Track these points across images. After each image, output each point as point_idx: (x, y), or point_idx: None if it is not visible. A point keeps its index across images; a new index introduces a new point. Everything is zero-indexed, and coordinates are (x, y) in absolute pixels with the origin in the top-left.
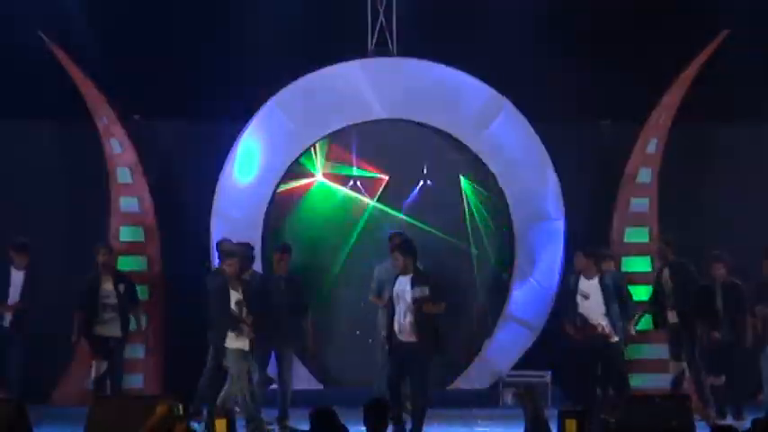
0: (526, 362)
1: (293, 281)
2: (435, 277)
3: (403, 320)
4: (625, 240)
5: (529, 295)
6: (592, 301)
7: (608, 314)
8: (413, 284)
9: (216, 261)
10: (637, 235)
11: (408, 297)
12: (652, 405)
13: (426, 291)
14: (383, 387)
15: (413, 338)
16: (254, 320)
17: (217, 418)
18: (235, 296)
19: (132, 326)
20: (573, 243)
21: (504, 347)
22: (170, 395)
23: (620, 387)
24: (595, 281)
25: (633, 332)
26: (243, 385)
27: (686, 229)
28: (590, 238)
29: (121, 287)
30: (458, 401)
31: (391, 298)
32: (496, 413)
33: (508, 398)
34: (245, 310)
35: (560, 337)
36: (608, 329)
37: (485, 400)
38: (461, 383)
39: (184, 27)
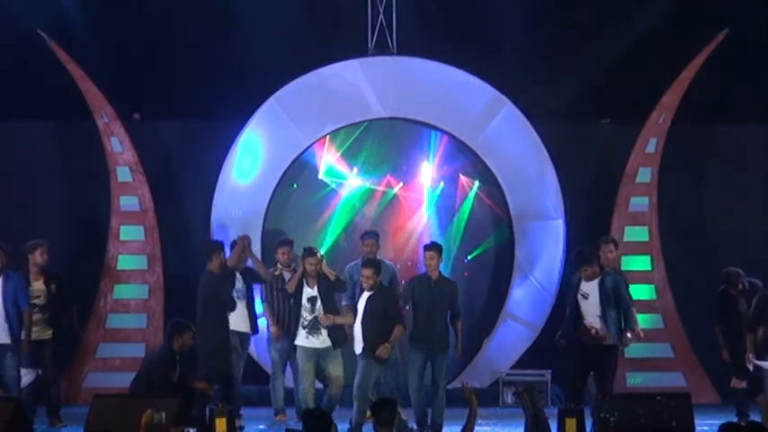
0: (526, 361)
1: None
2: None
3: None
4: (625, 239)
5: (528, 294)
6: (590, 301)
7: (603, 317)
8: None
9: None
10: (636, 234)
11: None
12: (652, 404)
13: None
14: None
15: None
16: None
17: (217, 418)
18: (308, 292)
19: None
20: (573, 242)
21: (504, 346)
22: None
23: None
24: (595, 282)
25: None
26: (305, 385)
27: (685, 229)
28: (590, 237)
29: (53, 287)
30: (458, 400)
31: None
32: (496, 412)
33: (508, 397)
34: (319, 306)
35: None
36: (602, 332)
37: (485, 399)
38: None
39: (184, 27)
